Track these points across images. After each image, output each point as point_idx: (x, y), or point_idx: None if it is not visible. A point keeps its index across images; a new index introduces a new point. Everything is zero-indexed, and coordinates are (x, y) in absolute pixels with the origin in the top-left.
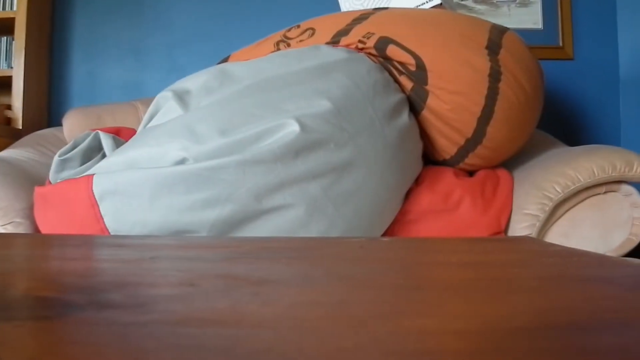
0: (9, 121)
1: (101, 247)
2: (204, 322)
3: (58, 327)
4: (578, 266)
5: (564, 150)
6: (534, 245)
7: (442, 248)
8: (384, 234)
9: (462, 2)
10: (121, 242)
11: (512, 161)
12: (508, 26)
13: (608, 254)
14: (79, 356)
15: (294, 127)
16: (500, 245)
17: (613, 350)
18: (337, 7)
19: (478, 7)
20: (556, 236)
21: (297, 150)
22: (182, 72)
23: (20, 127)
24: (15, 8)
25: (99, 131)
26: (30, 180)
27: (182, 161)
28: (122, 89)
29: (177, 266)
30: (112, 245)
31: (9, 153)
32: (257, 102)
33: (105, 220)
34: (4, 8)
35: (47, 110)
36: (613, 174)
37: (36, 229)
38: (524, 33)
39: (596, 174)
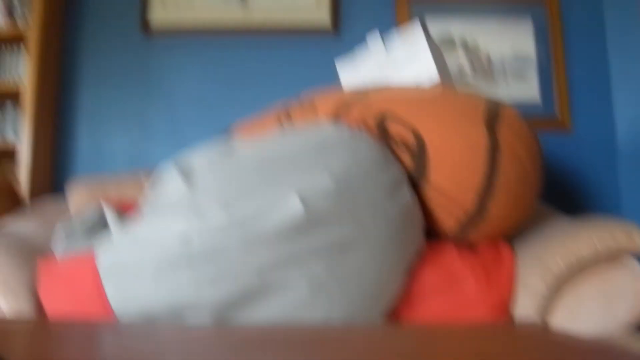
0: (14, 191)
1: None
2: None
3: None
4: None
5: (564, 223)
6: (539, 338)
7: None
8: (388, 313)
9: (461, 79)
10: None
11: (512, 234)
12: (506, 100)
13: (614, 327)
14: None
15: (297, 205)
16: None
17: None
18: (336, 77)
19: (476, 82)
20: (561, 311)
21: (299, 228)
22: (185, 141)
23: (26, 197)
24: (22, 79)
25: (103, 204)
26: (33, 251)
27: (185, 237)
28: (126, 157)
29: None
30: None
31: (13, 223)
32: (260, 178)
33: (109, 298)
34: (11, 78)
35: (51, 178)
36: (615, 246)
37: (39, 303)
38: (521, 106)
39: (598, 246)
